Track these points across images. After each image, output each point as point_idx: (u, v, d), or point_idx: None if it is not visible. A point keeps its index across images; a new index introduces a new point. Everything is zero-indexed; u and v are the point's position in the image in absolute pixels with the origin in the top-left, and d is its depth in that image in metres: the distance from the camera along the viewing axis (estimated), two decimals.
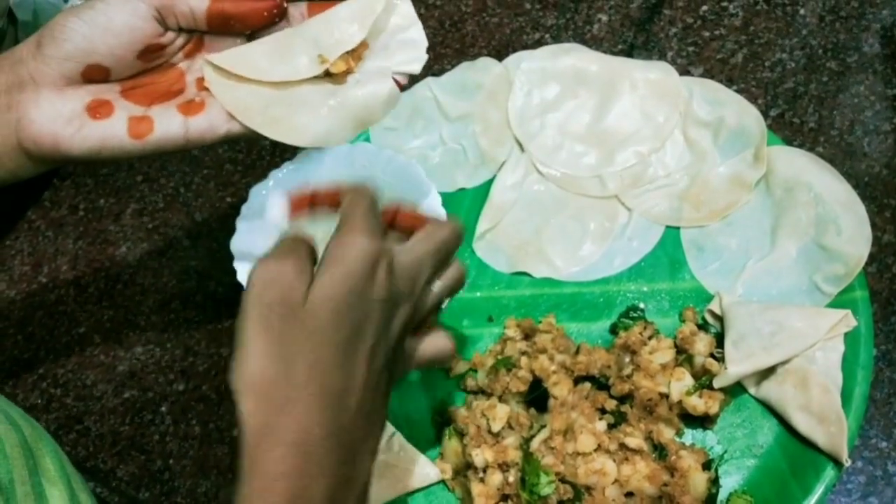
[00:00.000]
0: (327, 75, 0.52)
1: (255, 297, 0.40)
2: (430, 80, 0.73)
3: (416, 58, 0.53)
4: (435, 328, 0.48)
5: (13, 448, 0.45)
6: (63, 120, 0.48)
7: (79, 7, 0.48)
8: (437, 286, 0.47)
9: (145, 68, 0.51)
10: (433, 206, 0.64)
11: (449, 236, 0.47)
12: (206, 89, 0.51)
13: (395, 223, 0.48)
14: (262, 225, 0.65)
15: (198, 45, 0.52)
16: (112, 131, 0.49)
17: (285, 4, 0.52)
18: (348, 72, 0.52)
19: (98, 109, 0.49)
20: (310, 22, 0.52)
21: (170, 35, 0.51)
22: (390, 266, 0.42)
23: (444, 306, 0.50)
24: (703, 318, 0.63)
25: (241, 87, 0.51)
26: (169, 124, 0.49)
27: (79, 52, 0.47)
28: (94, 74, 0.49)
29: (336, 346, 0.40)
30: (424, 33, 0.53)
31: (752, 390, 0.60)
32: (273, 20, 0.52)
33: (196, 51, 0.52)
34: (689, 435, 0.60)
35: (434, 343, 0.48)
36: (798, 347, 0.58)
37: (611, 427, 0.59)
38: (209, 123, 0.50)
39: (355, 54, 0.52)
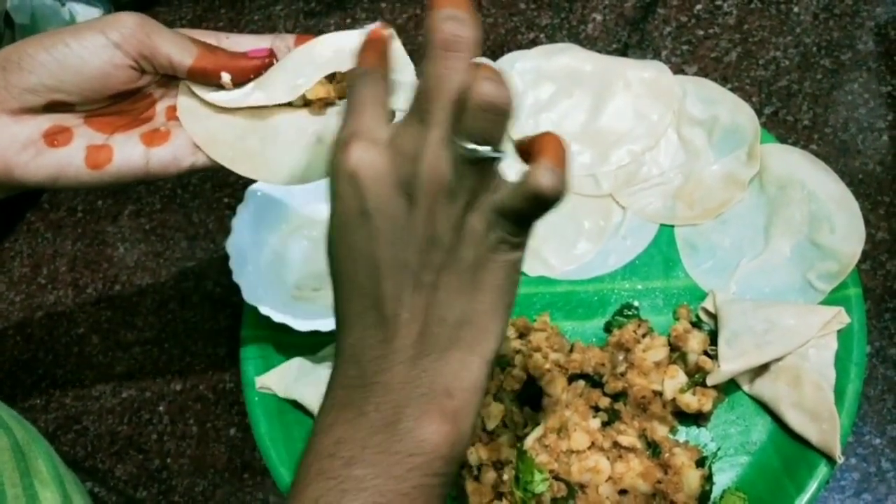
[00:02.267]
0: (306, 105, 0.49)
1: (347, 193, 0.37)
2: None
3: (402, 97, 0.51)
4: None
5: (3, 451, 0.46)
6: (18, 146, 0.46)
7: (50, 39, 0.45)
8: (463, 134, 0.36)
9: (115, 102, 0.49)
10: None
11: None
12: (177, 118, 0.49)
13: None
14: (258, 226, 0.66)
15: (175, 78, 0.50)
16: (68, 160, 0.46)
17: (275, 60, 0.49)
18: (328, 102, 0.49)
19: (56, 137, 0.47)
20: (292, 53, 0.49)
21: (146, 78, 0.48)
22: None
23: None
24: (697, 316, 0.63)
25: (214, 118, 0.49)
26: (129, 154, 0.47)
27: (43, 87, 0.45)
28: (57, 107, 0.47)
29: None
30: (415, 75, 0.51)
31: (745, 388, 0.60)
32: (259, 75, 0.49)
33: (172, 80, 0.50)
34: (683, 432, 0.60)
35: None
36: (791, 345, 0.58)
37: (605, 425, 0.59)
38: (173, 155, 0.48)
39: (336, 84, 0.49)
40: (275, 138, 0.49)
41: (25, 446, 0.47)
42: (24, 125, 0.46)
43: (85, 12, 0.82)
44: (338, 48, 0.48)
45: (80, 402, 0.70)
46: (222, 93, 0.49)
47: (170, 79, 0.50)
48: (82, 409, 0.70)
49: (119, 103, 0.49)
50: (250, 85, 0.49)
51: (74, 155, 0.47)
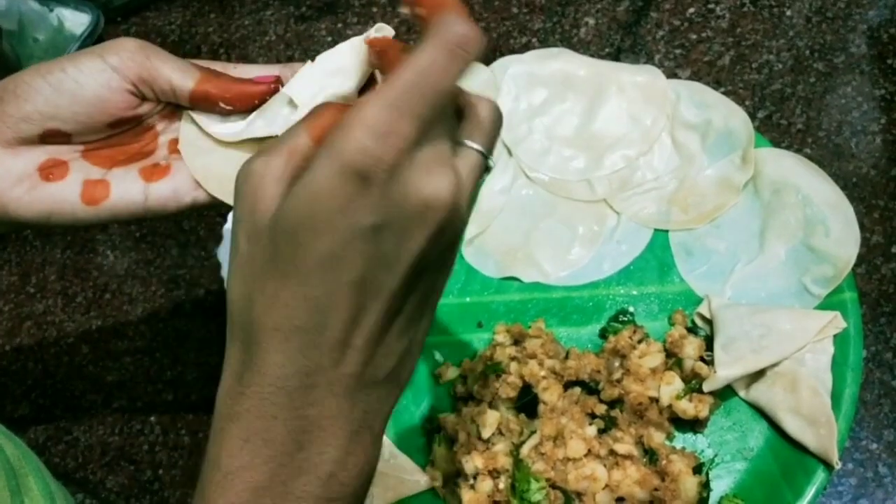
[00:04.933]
0: None
1: (235, 208, 0.33)
2: None
3: None
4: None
5: None
6: (12, 179, 0.44)
7: (48, 66, 0.44)
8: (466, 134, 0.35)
9: (114, 133, 0.47)
10: None
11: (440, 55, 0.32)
12: (179, 152, 0.47)
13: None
14: None
15: (178, 108, 0.47)
16: (63, 195, 0.45)
17: (282, 85, 0.46)
18: None
19: (51, 171, 0.45)
20: (300, 72, 0.46)
21: (147, 106, 0.46)
22: (392, 174, 0.30)
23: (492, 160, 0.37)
24: (693, 322, 0.63)
25: (216, 153, 0.47)
26: (127, 190, 0.45)
27: (38, 115, 0.44)
28: (53, 138, 0.45)
29: (303, 275, 0.31)
30: None
31: (741, 393, 0.60)
32: (265, 101, 0.46)
33: (176, 112, 0.48)
34: (680, 439, 0.59)
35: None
36: (787, 350, 0.58)
37: (601, 432, 0.59)
38: (173, 191, 0.46)
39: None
40: None
41: (16, 463, 0.46)
42: (19, 158, 0.45)
43: (73, 17, 0.81)
44: (335, 68, 0.45)
45: (71, 412, 0.69)
46: (226, 124, 0.47)
47: (173, 110, 0.48)
48: (72, 419, 0.69)
49: (119, 135, 0.47)
50: (254, 114, 0.47)
51: (70, 190, 0.45)
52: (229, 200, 0.45)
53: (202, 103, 0.46)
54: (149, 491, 0.66)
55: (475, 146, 0.34)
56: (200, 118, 0.47)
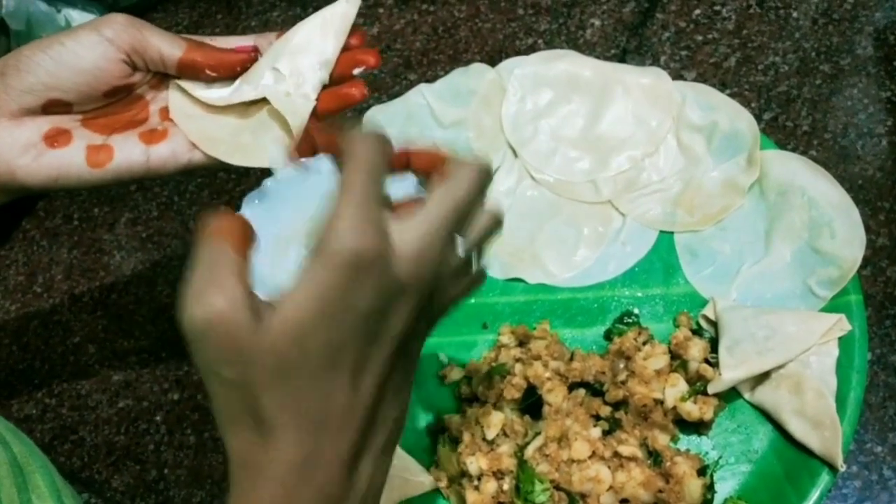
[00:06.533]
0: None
1: (198, 354, 0.34)
2: (423, 86, 0.73)
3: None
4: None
5: (2, 465, 0.45)
6: (19, 148, 0.47)
7: (47, 41, 0.48)
8: (466, 242, 0.39)
9: (109, 102, 0.50)
10: None
11: (471, 186, 0.37)
12: (171, 119, 0.51)
13: (411, 165, 0.41)
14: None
15: (164, 78, 0.52)
16: (69, 160, 0.48)
17: (259, 54, 0.52)
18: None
19: (56, 138, 0.48)
20: (272, 45, 0.52)
21: (138, 75, 0.50)
22: (384, 265, 0.34)
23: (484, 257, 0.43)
24: (698, 324, 0.63)
25: (207, 119, 0.51)
26: (130, 152, 0.49)
27: (41, 85, 0.47)
28: (55, 108, 0.48)
29: (305, 377, 0.34)
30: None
31: (746, 395, 0.60)
32: (246, 69, 0.51)
33: (163, 82, 0.52)
34: (684, 441, 0.59)
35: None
36: (792, 352, 0.58)
37: (605, 434, 0.59)
38: (171, 151, 0.50)
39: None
40: (265, 128, 0.51)
41: (23, 460, 0.47)
42: (24, 128, 0.47)
43: (81, 18, 0.82)
44: (310, 34, 0.51)
45: (77, 412, 0.70)
46: (212, 89, 0.51)
47: (161, 80, 0.52)
48: (78, 419, 0.69)
49: (114, 105, 0.51)
50: (238, 81, 0.51)
51: (75, 155, 0.48)
52: (223, 158, 0.50)
53: (189, 71, 0.50)
54: (154, 490, 0.66)
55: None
56: (188, 85, 0.51)
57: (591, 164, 0.69)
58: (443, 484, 0.60)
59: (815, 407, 0.56)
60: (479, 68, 0.73)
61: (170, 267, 0.74)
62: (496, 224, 0.41)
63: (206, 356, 0.33)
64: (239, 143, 0.50)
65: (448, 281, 0.39)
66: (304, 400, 0.34)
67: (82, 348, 0.72)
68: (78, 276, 0.76)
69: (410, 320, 0.37)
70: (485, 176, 0.38)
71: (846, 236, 0.62)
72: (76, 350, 0.72)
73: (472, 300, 0.66)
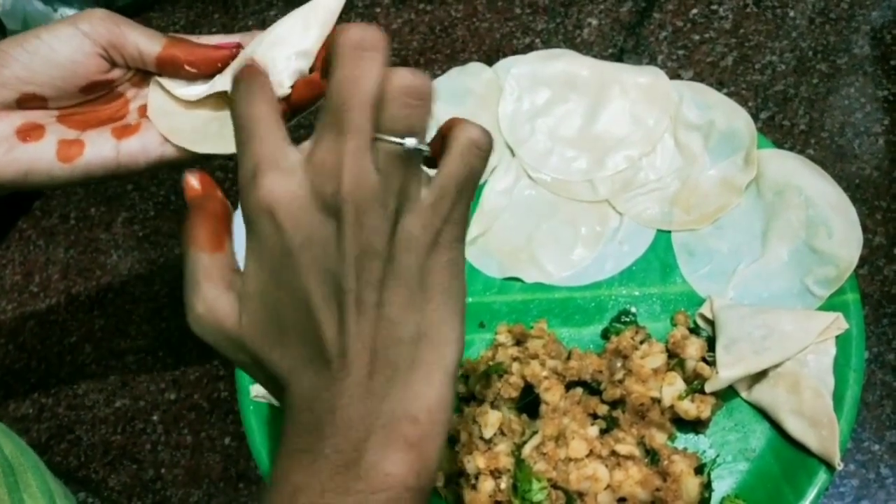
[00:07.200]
0: None
1: (216, 351, 0.38)
2: None
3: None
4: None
5: None
6: None
7: (24, 35, 0.47)
8: (392, 132, 0.35)
9: (88, 99, 0.50)
10: None
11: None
12: (147, 116, 0.50)
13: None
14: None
15: (147, 75, 0.51)
16: (40, 154, 0.47)
17: (241, 50, 0.51)
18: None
19: (29, 133, 0.48)
20: (258, 36, 0.51)
21: (117, 72, 0.50)
22: (299, 201, 0.35)
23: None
24: (695, 322, 0.63)
25: (181, 114, 0.50)
26: (100, 147, 0.48)
27: (15, 79, 0.46)
28: (30, 102, 0.48)
29: (290, 333, 0.35)
30: None
31: (744, 394, 0.60)
32: (227, 66, 0.50)
33: (145, 80, 0.51)
34: (682, 439, 0.59)
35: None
36: (789, 351, 0.58)
37: (603, 432, 0.59)
38: (142, 146, 0.49)
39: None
40: None
41: (14, 460, 0.47)
42: None
43: None
44: (292, 26, 0.50)
45: (73, 411, 0.69)
46: (191, 87, 0.50)
47: (143, 78, 0.51)
48: (75, 418, 0.69)
49: (92, 102, 0.50)
50: (217, 76, 0.51)
51: (46, 149, 0.48)
52: (190, 146, 0.49)
53: (169, 67, 0.49)
54: (151, 490, 0.66)
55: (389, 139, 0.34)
56: (168, 83, 0.50)
57: (589, 163, 0.69)
58: (440, 483, 0.59)
59: (812, 405, 0.56)
60: (476, 68, 0.73)
61: (167, 266, 0.74)
62: (421, 102, 0.35)
63: (218, 351, 0.37)
64: (207, 132, 0.50)
65: (408, 178, 0.35)
66: (300, 349, 0.35)
67: (79, 348, 0.72)
68: (75, 276, 0.75)
69: (380, 234, 0.34)
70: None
71: (843, 235, 0.62)
72: (73, 349, 0.72)
73: (470, 299, 0.66)
